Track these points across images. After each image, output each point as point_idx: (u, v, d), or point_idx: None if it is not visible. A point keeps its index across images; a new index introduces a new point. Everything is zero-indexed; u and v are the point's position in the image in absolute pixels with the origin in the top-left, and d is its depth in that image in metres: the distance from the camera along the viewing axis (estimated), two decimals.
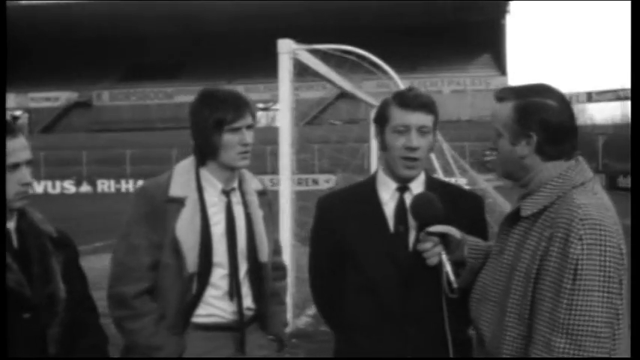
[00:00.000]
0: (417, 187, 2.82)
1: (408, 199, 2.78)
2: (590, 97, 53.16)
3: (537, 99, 2.38)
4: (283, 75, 6.43)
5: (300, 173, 6.95)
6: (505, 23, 66.75)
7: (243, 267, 3.00)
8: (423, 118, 2.73)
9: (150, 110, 66.93)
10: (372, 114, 10.16)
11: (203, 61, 66.37)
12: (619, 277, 2.12)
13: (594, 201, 2.24)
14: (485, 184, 17.93)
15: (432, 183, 2.88)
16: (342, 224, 2.84)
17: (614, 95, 55.67)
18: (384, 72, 7.76)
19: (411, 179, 2.81)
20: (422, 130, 2.72)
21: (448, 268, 2.57)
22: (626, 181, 36.01)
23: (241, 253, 2.99)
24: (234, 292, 2.95)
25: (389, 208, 2.81)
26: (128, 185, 50.97)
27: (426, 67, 59.99)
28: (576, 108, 62.25)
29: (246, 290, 3.01)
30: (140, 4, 63.32)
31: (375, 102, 10.66)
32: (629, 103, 56.13)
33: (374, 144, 10.95)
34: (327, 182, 42.44)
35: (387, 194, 2.83)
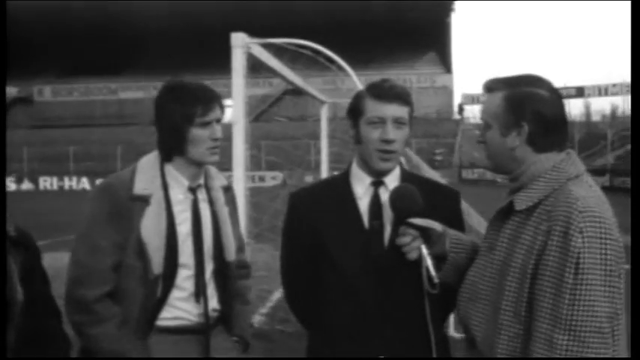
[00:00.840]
0: (392, 181, 2.73)
1: (383, 193, 2.70)
2: None
3: (528, 89, 2.31)
4: (237, 69, 6.28)
5: (247, 170, 6.85)
6: (450, 21, 67.56)
7: (209, 267, 2.89)
8: (399, 110, 2.64)
9: (93, 106, 65.94)
10: (323, 111, 10.01)
11: (148, 57, 65.64)
12: (619, 271, 2.06)
13: (591, 193, 2.18)
14: (437, 177, 18.05)
15: (407, 177, 2.80)
16: (314, 221, 2.74)
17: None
18: (340, 67, 7.69)
19: (386, 173, 2.72)
20: (398, 122, 2.64)
21: (428, 262, 2.48)
22: None
23: (207, 252, 2.88)
24: (200, 294, 2.83)
25: (363, 203, 2.72)
26: (71, 183, 50.05)
27: (374, 64, 60.26)
28: None
29: (211, 291, 2.90)
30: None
31: (326, 99, 10.58)
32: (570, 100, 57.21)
33: (324, 141, 10.85)
34: (273, 179, 42.45)
35: (361, 189, 2.74)
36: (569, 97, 57.83)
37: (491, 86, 2.41)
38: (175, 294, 2.78)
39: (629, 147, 45.98)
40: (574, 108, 58.86)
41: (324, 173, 10.82)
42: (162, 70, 57.33)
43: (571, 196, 2.13)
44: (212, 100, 2.78)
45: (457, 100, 62.99)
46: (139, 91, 62.46)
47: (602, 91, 58.93)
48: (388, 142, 2.62)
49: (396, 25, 65.05)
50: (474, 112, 63.01)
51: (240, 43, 6.47)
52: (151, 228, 2.70)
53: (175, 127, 2.73)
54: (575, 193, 2.14)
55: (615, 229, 2.10)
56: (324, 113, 10.71)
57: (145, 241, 2.69)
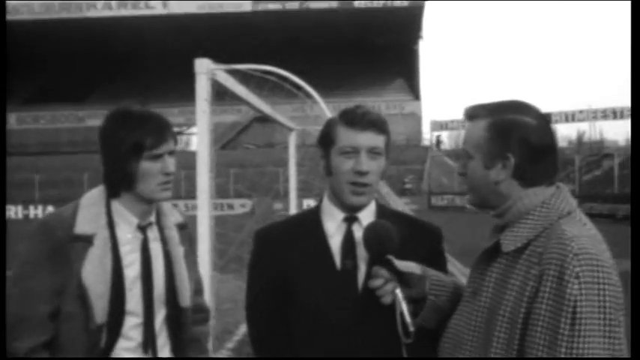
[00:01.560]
0: (367, 217, 2.49)
1: (356, 230, 2.45)
2: None
3: (514, 116, 2.10)
4: (201, 96, 6.09)
5: (215, 198, 6.68)
6: (418, 48, 67.98)
7: (160, 314, 2.61)
8: (374, 139, 2.41)
9: (60, 134, 65.21)
10: (291, 138, 9.86)
11: (115, 84, 65.19)
12: (618, 319, 1.83)
13: (586, 232, 1.96)
14: (404, 207, 18.01)
15: (383, 213, 2.55)
16: (282, 261, 2.48)
17: None
18: (307, 94, 7.54)
19: (359, 208, 2.48)
20: (372, 152, 2.40)
21: (404, 307, 2.23)
22: None
23: (158, 298, 2.60)
24: (149, 344, 2.56)
25: (335, 241, 2.47)
26: (37, 211, 49.15)
27: (342, 91, 60.37)
28: None
29: (163, 340, 2.63)
30: (46, 23, 61.63)
31: (294, 126, 10.42)
32: None
33: (292, 168, 10.67)
34: (242, 207, 42.12)
35: (333, 225, 2.49)
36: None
37: (474, 113, 2.19)
38: (121, 344, 2.50)
39: (597, 172, 46.47)
40: None
41: (293, 201, 10.64)
42: (129, 97, 56.99)
43: (564, 236, 1.91)
44: (164, 130, 2.53)
45: (426, 126, 63.26)
46: (101, 120, 62.07)
47: (569, 117, 59.49)
48: (362, 173, 2.38)
49: (363, 52, 65.39)
50: (442, 139, 63.42)
51: (205, 70, 6.28)
52: (93, 271, 2.42)
53: (122, 159, 2.46)
54: (568, 232, 1.93)
55: (614, 272, 1.88)
56: (292, 141, 10.53)
57: (86, 287, 2.40)
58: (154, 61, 65.52)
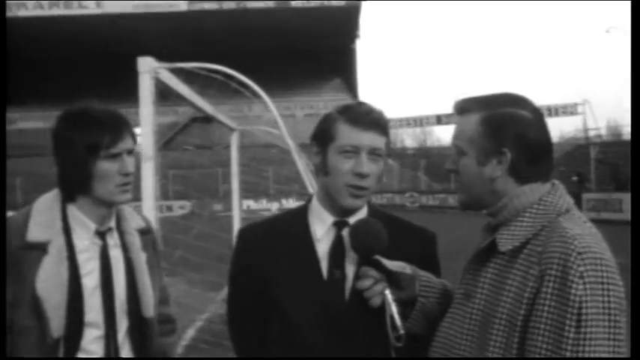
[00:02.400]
0: None
1: (346, 236, 2.29)
2: (440, 119, 54.97)
3: (509, 109, 1.99)
4: (145, 95, 5.92)
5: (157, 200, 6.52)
6: (355, 48, 68.25)
7: (122, 325, 2.46)
8: (377, 140, 2.25)
9: None
10: (233, 138, 9.69)
11: (50, 85, 63.72)
12: (621, 319, 1.75)
13: (587, 231, 1.87)
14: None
15: (376, 217, 2.37)
16: (264, 266, 2.32)
17: None
18: (254, 93, 7.40)
19: (352, 212, 2.33)
20: (374, 153, 2.25)
21: (393, 309, 2.10)
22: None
23: (120, 308, 2.44)
24: (111, 357, 2.40)
25: (323, 246, 2.32)
26: None
27: (280, 90, 60.25)
28: (425, 130, 64.62)
29: (126, 353, 2.47)
30: None
31: (236, 126, 10.28)
32: None
33: (235, 168, 10.52)
34: (181, 208, 41.63)
35: (322, 230, 2.34)
36: None
37: (465, 107, 2.09)
38: None
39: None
40: None
41: (236, 202, 10.49)
42: (65, 99, 55.63)
43: (566, 234, 1.82)
44: (122, 128, 2.38)
45: None
46: (40, 121, 60.54)
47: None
48: (362, 176, 2.23)
49: (301, 52, 65.30)
50: None
51: (148, 69, 6.12)
52: (48, 281, 2.26)
53: (78, 160, 2.31)
54: (569, 230, 1.83)
55: (617, 271, 1.79)
56: (235, 141, 10.39)
57: (41, 298, 2.24)
58: (92, 62, 64.28)
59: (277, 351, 2.29)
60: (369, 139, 2.24)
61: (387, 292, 2.14)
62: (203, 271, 9.29)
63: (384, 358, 2.23)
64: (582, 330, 1.70)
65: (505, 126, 1.97)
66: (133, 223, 2.61)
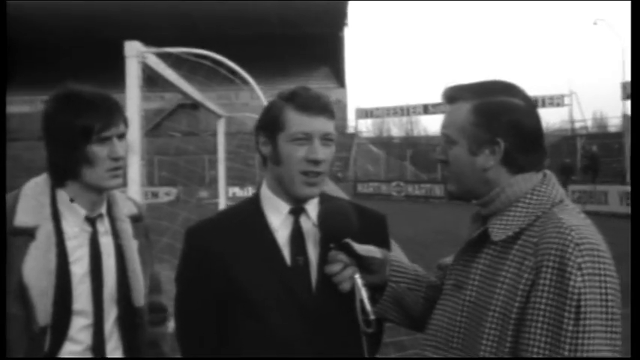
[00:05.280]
0: (313, 206, 2.28)
1: (305, 223, 2.24)
2: (427, 109, 54.92)
3: (502, 97, 1.95)
4: (131, 80, 5.87)
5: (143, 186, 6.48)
6: (343, 36, 68.09)
7: (111, 314, 2.41)
8: (327, 124, 2.20)
9: None
10: (220, 125, 9.65)
11: (35, 69, 63.24)
12: (618, 312, 1.71)
13: (582, 222, 1.83)
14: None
15: (328, 201, 2.32)
16: (223, 262, 2.21)
17: None
18: (242, 80, 7.36)
19: (309, 199, 2.27)
20: (325, 139, 2.20)
21: (363, 294, 2.05)
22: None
23: (110, 296, 2.39)
24: (99, 347, 2.35)
25: (282, 235, 2.24)
26: None
27: (267, 78, 60.09)
28: (412, 120, 64.60)
29: (115, 343, 2.42)
30: None
31: (223, 112, 10.25)
32: None
33: (222, 155, 10.49)
34: (167, 195, 41.47)
35: (278, 219, 2.25)
36: None
37: (455, 95, 2.03)
38: (68, 348, 2.29)
39: None
40: None
41: (222, 189, 10.47)
42: (50, 83, 55.21)
43: (562, 225, 1.78)
44: (114, 112, 2.32)
45: (351, 114, 63.45)
46: (25, 105, 60.11)
47: None
48: (316, 162, 2.16)
49: (289, 39, 65.15)
50: (367, 126, 63.78)
51: (135, 53, 6.07)
52: (35, 267, 2.20)
53: (69, 144, 2.24)
54: (566, 221, 1.79)
55: (612, 263, 1.76)
56: (221, 128, 10.36)
57: (28, 285, 2.18)
58: (79, 47, 63.86)
59: (243, 343, 2.21)
60: (321, 124, 2.18)
61: (357, 276, 2.10)
62: None
63: (385, 357, 2.19)
64: (581, 322, 1.67)
65: (499, 115, 1.93)
66: (125, 209, 2.56)
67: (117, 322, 2.44)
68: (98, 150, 2.28)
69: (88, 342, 2.34)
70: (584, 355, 1.66)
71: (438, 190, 37.22)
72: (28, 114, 56.81)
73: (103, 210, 2.46)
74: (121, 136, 2.36)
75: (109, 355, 2.40)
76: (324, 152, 2.19)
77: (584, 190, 27.98)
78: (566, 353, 1.67)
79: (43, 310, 2.21)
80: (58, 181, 2.36)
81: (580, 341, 1.66)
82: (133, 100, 6.06)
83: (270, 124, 2.24)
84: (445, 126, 2.05)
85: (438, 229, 20.37)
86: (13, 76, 64.52)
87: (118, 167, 2.35)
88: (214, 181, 10.85)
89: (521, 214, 1.90)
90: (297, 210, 2.27)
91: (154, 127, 55.04)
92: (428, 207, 33.31)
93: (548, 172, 2.00)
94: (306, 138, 2.17)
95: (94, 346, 2.35)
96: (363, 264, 2.16)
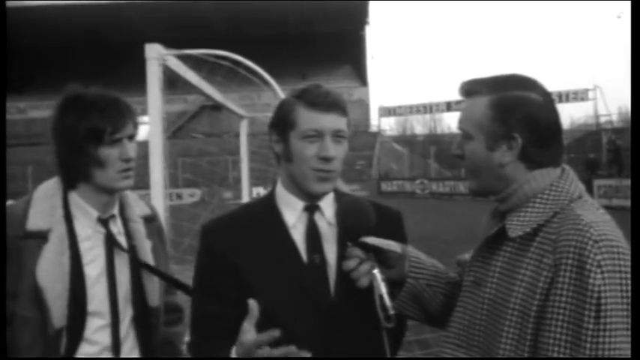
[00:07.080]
0: (328, 205, 2.27)
1: (320, 220, 2.23)
2: (450, 106, 54.66)
3: (519, 92, 1.90)
4: (152, 82, 5.88)
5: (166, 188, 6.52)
6: (365, 34, 67.99)
7: (127, 314, 2.41)
8: (338, 121, 2.17)
9: None
10: (242, 125, 9.63)
11: (56, 74, 63.89)
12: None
13: (602, 218, 1.80)
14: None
15: (340, 198, 2.30)
16: (238, 260, 2.17)
17: None
18: (262, 80, 7.35)
19: (322, 196, 2.25)
20: (337, 135, 2.17)
21: (383, 289, 2.02)
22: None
23: (125, 297, 2.39)
24: (116, 347, 2.36)
25: (297, 233, 2.21)
26: None
27: (289, 78, 60.11)
28: (435, 117, 64.28)
29: (131, 343, 2.42)
30: None
31: (247, 113, 10.25)
32: None
33: (244, 156, 10.49)
34: (191, 196, 41.67)
35: (293, 216, 2.23)
36: None
37: (472, 89, 1.99)
38: (84, 349, 2.29)
39: None
40: None
41: (245, 189, 10.48)
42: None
43: (580, 222, 1.74)
44: (124, 114, 2.33)
45: (374, 112, 63.33)
46: (48, 110, 60.82)
47: None
48: (328, 159, 2.14)
49: (310, 39, 65.18)
50: (390, 125, 63.59)
51: (156, 55, 6.09)
52: (49, 270, 2.20)
53: (79, 146, 2.25)
54: (584, 217, 1.75)
55: (630, 260, 1.71)
56: (244, 128, 10.36)
57: (42, 287, 2.18)
58: (100, 51, 64.39)
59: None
60: (331, 121, 2.16)
61: (376, 271, 2.06)
62: None
63: (393, 358, 2.17)
64: (602, 320, 1.63)
65: (516, 110, 1.89)
66: (138, 210, 2.56)
67: (132, 322, 2.44)
68: (109, 152, 2.29)
69: (104, 343, 2.34)
70: (606, 353, 1.62)
71: (462, 187, 37.02)
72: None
73: (115, 211, 2.46)
74: (131, 138, 2.36)
75: (125, 355, 2.39)
76: (335, 149, 2.17)
77: (610, 184, 27.67)
78: (587, 352, 1.64)
79: (58, 312, 2.21)
80: (69, 183, 2.37)
81: (601, 339, 1.63)
82: (155, 103, 6.07)
83: (281, 122, 2.22)
84: (462, 120, 2.02)
85: (462, 226, 20.26)
86: (37, 81, 65.19)
87: (129, 168, 2.36)
88: (238, 181, 10.85)
89: (538, 210, 1.87)
90: (312, 207, 2.25)
91: (177, 130, 55.41)
92: (452, 204, 33.15)
93: (566, 167, 1.96)
94: (317, 135, 2.15)
95: (111, 347, 2.35)
96: (382, 259, 2.14)
